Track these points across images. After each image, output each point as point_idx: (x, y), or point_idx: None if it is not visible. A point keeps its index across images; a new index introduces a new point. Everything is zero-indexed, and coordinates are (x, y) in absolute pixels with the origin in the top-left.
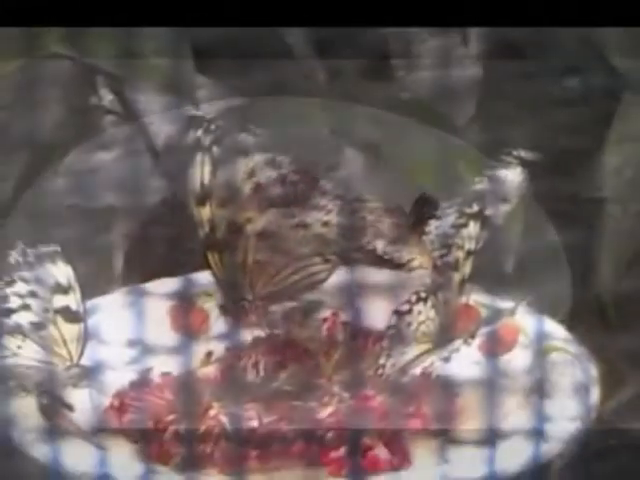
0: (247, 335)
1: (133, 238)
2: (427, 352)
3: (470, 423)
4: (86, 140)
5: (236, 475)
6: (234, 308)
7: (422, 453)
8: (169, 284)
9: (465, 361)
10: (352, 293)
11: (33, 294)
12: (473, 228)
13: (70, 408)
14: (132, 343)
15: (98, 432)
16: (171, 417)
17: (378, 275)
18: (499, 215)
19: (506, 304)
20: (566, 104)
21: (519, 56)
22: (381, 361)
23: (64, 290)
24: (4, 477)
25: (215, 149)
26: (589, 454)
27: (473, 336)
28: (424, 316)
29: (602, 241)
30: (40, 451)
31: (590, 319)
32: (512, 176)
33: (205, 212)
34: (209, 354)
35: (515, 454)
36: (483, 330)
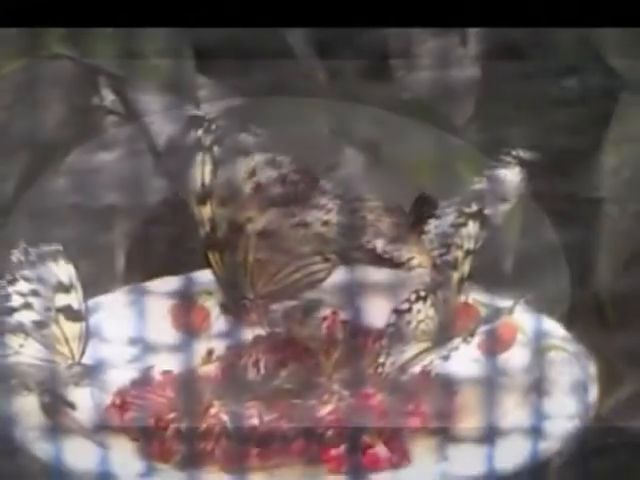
0: (248, 333)
1: (134, 237)
2: (426, 350)
3: (469, 421)
4: (88, 140)
5: (237, 473)
6: (235, 307)
7: (421, 451)
8: (170, 283)
9: (464, 359)
10: (352, 292)
11: (35, 293)
12: (472, 227)
13: (72, 406)
14: (133, 341)
15: (100, 430)
16: (172, 415)
17: (378, 274)
18: (498, 214)
19: (505, 303)
20: (564, 104)
21: (518, 57)
22: (381, 359)
23: (66, 289)
24: (6, 475)
25: (216, 149)
26: (587, 452)
27: (472, 335)
28: (423, 315)
29: (600, 240)
30: (42, 449)
31: (588, 318)
32: (511, 176)
33: (206, 211)
34: (210, 352)
35: (514, 452)
36: (482, 329)
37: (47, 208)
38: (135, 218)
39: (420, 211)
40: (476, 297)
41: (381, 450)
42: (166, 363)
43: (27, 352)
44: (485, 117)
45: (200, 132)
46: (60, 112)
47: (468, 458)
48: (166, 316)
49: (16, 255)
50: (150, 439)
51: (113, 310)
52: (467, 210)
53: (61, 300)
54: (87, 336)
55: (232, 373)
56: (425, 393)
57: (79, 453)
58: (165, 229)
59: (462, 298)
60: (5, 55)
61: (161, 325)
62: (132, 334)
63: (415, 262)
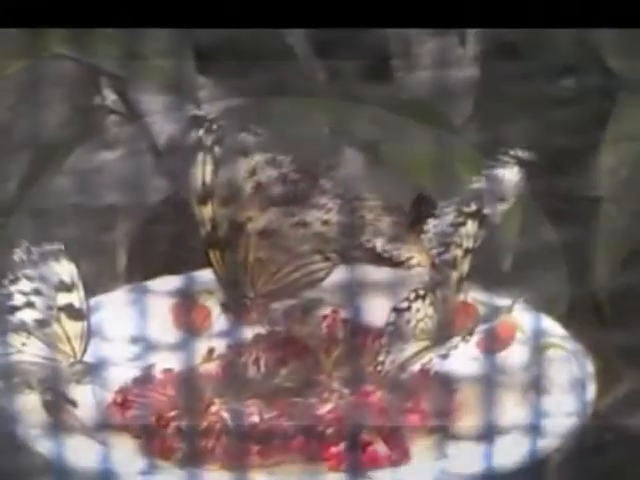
0: (248, 332)
1: (136, 236)
2: (426, 349)
3: (468, 419)
4: (89, 140)
5: (237, 470)
6: (235, 305)
7: (421, 448)
8: (171, 282)
9: (463, 358)
10: (352, 291)
11: (37, 292)
12: (471, 227)
13: (74, 404)
14: (135, 340)
15: (101, 428)
16: (173, 413)
17: (377, 273)
18: (497, 214)
19: (504, 302)
20: (562, 104)
21: (516, 57)
22: (380, 358)
23: (68, 288)
24: (9, 473)
25: (217, 149)
26: (586, 449)
27: (471, 333)
28: (423, 313)
29: (598, 239)
30: (44, 446)
31: (586, 316)
32: (509, 175)
33: (207, 211)
34: (211, 351)
35: (513, 449)
36: (481, 327)
37: (49, 207)
38: (136, 217)
39: (419, 210)
40: (475, 296)
41: (381, 448)
42: (167, 361)
43: (29, 350)
44: (484, 117)
45: (201, 132)
46: (62, 112)
47: (467, 456)
48: (167, 315)
49: (18, 254)
50: (151, 437)
51: (114, 309)
52: (466, 209)
53: (63, 299)
54: (89, 334)
55: (233, 371)
56: (424, 391)
57: (81, 451)
58: (166, 228)
59: (461, 297)
60: (7, 56)
61: (162, 324)
62: (133, 333)
63: (414, 261)
